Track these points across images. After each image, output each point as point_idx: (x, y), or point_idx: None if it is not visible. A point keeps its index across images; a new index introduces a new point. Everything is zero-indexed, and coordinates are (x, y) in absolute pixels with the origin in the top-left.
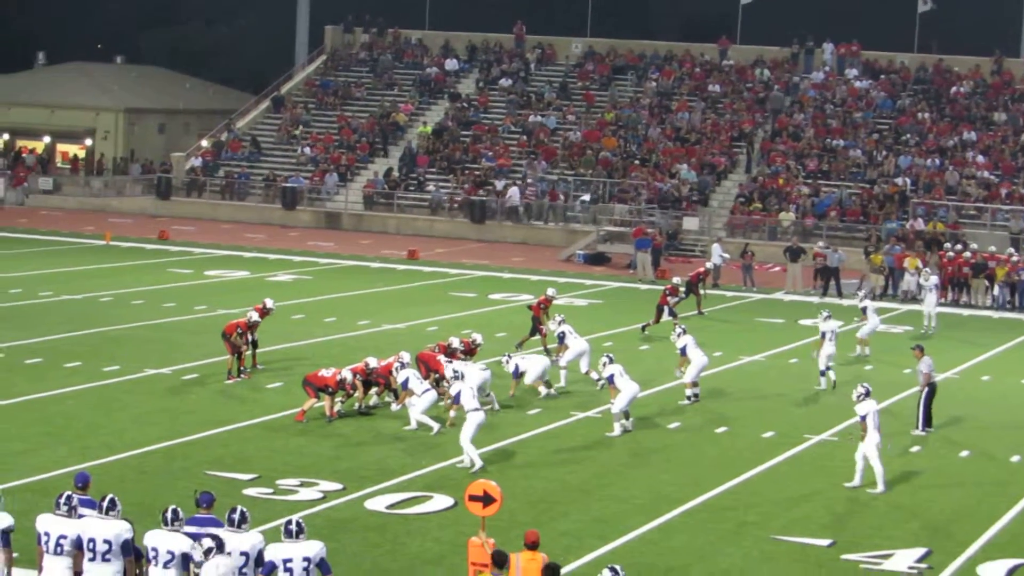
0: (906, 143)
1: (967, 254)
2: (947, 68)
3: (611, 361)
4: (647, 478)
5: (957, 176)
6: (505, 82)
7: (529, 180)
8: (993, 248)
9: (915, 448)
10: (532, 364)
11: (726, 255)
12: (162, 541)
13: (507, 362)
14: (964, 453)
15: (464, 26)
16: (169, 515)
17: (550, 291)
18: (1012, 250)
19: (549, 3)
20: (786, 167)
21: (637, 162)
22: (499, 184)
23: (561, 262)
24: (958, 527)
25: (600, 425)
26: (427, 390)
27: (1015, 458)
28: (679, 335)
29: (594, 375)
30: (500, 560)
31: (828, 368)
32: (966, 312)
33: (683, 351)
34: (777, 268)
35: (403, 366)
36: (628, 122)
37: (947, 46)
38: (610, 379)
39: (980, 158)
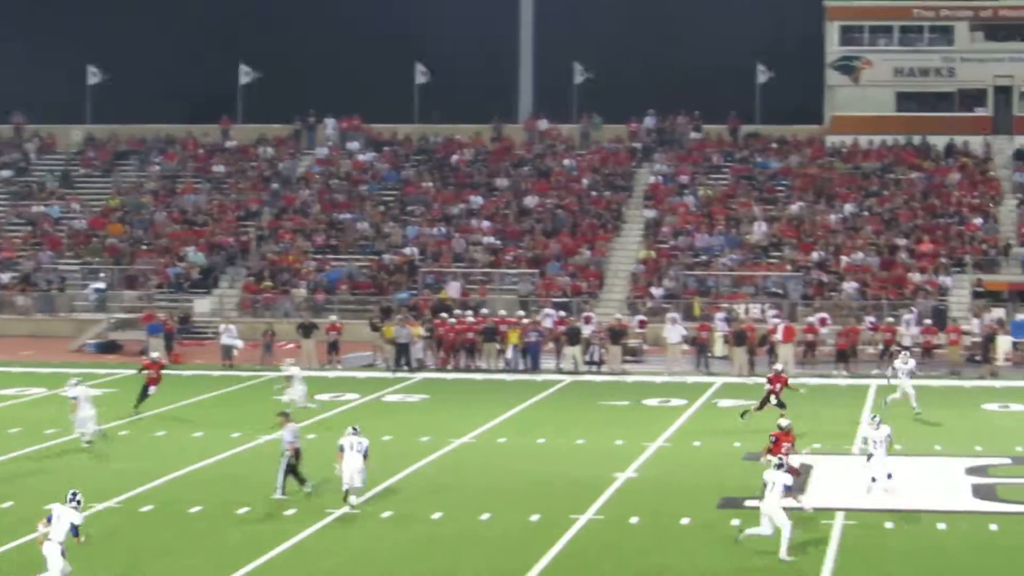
0: (412, 213)
1: (471, 318)
2: (449, 136)
3: (355, 432)
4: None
5: (464, 243)
6: (5, 173)
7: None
8: (503, 312)
9: (436, 515)
10: None
11: (238, 340)
12: None
13: None
14: (485, 516)
15: None
16: None
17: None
18: (522, 312)
19: (46, 92)
20: (294, 243)
21: (145, 247)
22: (5, 277)
23: (72, 352)
24: None
25: None
26: None
27: (534, 517)
28: (74, 384)
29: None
30: None
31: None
32: (480, 377)
33: (75, 398)
34: (291, 345)
35: None
36: (133, 207)
37: (448, 115)
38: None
39: (485, 224)
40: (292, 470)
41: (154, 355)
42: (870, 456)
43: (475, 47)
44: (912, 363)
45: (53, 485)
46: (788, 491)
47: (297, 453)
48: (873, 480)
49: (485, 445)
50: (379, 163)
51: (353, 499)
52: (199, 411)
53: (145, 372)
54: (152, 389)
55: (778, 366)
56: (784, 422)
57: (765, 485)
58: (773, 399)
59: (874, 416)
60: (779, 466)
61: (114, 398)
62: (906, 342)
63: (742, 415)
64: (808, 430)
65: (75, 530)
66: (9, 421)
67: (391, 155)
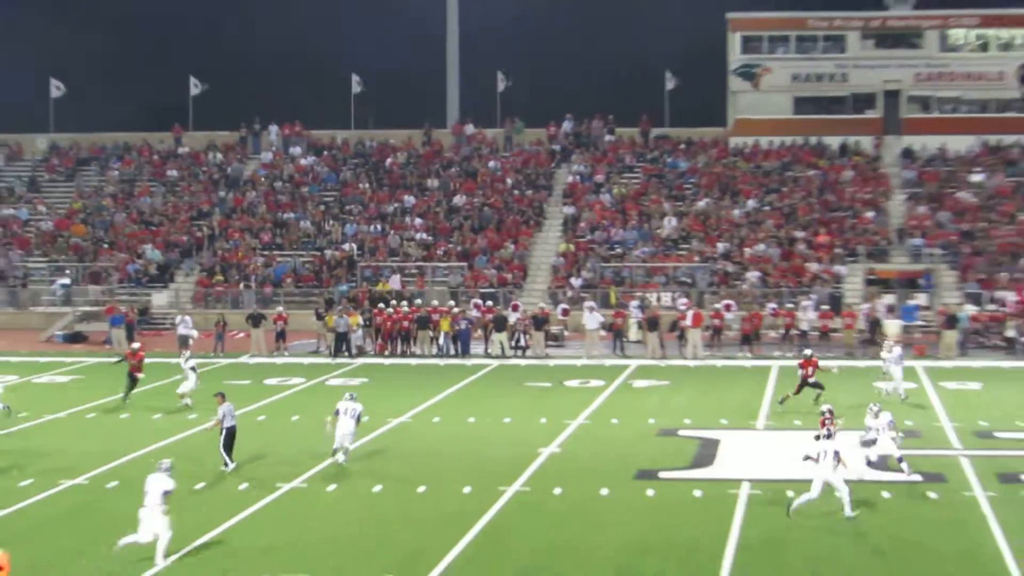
0: (350, 212)
1: (405, 308)
2: (383, 141)
3: (352, 398)
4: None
5: (398, 239)
6: None
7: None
8: (436, 302)
9: (377, 488)
10: None
11: (193, 331)
12: None
13: None
14: (421, 489)
15: None
16: None
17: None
18: (453, 303)
19: (12, 104)
20: (243, 241)
21: (106, 246)
22: None
23: (42, 343)
24: (421, 560)
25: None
26: None
27: (467, 489)
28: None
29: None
30: None
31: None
32: (415, 362)
33: None
34: (241, 334)
35: None
36: (95, 209)
37: (382, 121)
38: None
39: (418, 221)
40: (225, 446)
41: (134, 346)
42: (873, 441)
43: (406, 59)
44: (898, 350)
45: (24, 462)
46: (838, 457)
47: (229, 432)
48: (870, 462)
49: (420, 424)
50: (319, 166)
51: (341, 456)
52: (158, 396)
53: (127, 361)
54: (138, 375)
55: (807, 351)
56: (826, 406)
57: (816, 456)
58: (809, 381)
59: (872, 406)
60: (827, 436)
61: (81, 384)
62: (804, 326)
63: (780, 401)
64: (715, 407)
65: (166, 495)
66: None
67: (330, 159)
